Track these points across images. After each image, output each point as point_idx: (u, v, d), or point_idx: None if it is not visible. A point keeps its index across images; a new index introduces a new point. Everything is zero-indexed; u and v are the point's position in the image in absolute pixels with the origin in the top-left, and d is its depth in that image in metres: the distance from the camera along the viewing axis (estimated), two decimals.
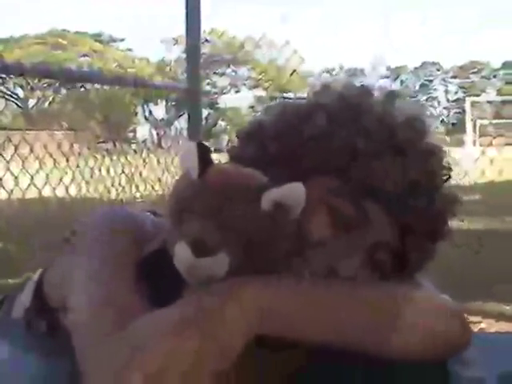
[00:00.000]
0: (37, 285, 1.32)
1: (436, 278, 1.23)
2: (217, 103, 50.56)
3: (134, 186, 7.15)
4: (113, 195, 7.12)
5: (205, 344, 0.92)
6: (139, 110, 49.31)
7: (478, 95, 55.27)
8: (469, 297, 4.95)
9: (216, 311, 0.95)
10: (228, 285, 0.97)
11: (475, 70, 65.37)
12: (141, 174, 6.93)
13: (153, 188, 6.74)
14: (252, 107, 49.63)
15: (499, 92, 59.40)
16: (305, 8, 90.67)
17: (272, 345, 0.98)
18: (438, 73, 67.53)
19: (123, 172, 6.88)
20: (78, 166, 7.19)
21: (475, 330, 4.11)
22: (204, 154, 0.99)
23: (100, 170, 7.67)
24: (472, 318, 4.55)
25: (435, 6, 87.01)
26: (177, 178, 1.04)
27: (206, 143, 1.06)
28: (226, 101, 51.35)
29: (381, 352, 1.03)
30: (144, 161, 7.10)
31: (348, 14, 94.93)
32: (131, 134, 42.34)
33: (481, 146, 24.02)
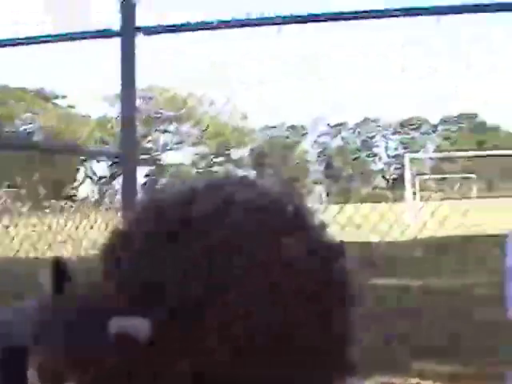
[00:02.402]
0: None
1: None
2: (159, 160, 50.64)
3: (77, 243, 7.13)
4: (54, 252, 7.06)
5: None
6: (81, 167, 49.20)
7: (417, 151, 56.35)
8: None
9: None
10: None
11: (415, 125, 66.66)
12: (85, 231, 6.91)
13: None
14: (194, 164, 49.78)
15: (438, 148, 60.60)
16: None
17: None
18: (379, 129, 68.65)
19: (63, 229, 6.85)
20: (16, 225, 7.14)
21: None
22: (58, 275, 0.94)
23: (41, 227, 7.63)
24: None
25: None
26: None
27: None
28: (169, 157, 51.50)
29: None
30: (84, 218, 7.09)
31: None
32: (73, 192, 42.15)
33: (421, 200, 24.41)
